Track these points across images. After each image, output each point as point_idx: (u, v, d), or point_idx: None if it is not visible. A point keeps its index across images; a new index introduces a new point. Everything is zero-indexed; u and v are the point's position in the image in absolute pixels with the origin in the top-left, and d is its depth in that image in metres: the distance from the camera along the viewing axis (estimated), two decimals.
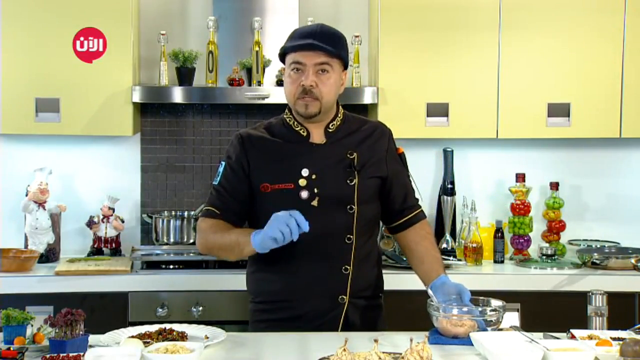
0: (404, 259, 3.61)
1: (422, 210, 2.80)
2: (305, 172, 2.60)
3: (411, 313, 3.01)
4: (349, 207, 2.61)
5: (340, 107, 2.73)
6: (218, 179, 2.69)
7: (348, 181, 2.62)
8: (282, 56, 2.66)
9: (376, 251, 2.76)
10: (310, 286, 2.60)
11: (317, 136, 2.67)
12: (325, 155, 2.64)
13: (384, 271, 2.81)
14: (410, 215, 2.75)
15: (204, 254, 2.79)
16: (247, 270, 2.77)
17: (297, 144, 2.66)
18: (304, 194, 2.58)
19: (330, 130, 2.68)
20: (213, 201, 2.68)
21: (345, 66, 2.66)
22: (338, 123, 2.69)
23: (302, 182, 2.59)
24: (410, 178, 2.82)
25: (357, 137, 2.69)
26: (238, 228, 2.63)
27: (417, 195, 2.83)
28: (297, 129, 2.67)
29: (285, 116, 2.71)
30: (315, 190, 2.59)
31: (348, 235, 2.62)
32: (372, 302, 2.71)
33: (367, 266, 2.68)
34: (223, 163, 2.70)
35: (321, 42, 2.56)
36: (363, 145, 2.68)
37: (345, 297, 2.62)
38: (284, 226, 2.36)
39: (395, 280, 3.44)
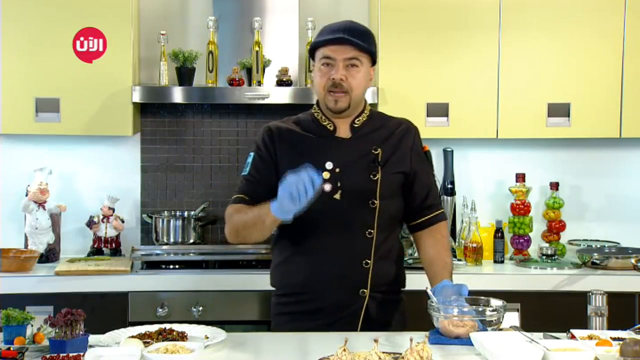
0: (409, 261, 3.62)
1: (442, 212, 2.80)
2: (329, 165, 2.64)
3: (412, 313, 3.01)
4: (371, 201, 2.64)
5: (367, 103, 2.78)
6: (247, 169, 2.72)
7: (371, 176, 2.66)
8: (312, 52, 2.71)
9: (398, 247, 2.77)
10: (330, 279, 2.64)
11: (343, 131, 2.72)
12: (350, 150, 2.68)
13: None
14: (429, 216, 2.77)
15: (233, 242, 2.77)
16: (272, 264, 2.80)
17: (323, 138, 2.70)
18: (327, 187, 2.62)
19: (355, 126, 2.72)
20: (242, 189, 2.71)
21: (373, 62, 2.70)
22: (364, 119, 2.74)
23: (326, 175, 2.63)
24: (435, 177, 2.83)
25: (383, 133, 2.73)
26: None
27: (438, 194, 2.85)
28: (324, 123, 2.72)
29: (313, 111, 2.77)
30: (338, 184, 2.63)
31: (369, 230, 2.65)
32: (392, 297, 2.73)
33: (388, 261, 2.71)
34: (251, 154, 2.74)
35: (351, 36, 2.61)
36: (388, 141, 2.72)
37: (365, 291, 2.65)
38: (297, 179, 2.35)
39: None
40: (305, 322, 2.64)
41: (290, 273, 2.71)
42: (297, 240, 2.65)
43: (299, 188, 2.35)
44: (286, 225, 2.57)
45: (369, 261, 2.64)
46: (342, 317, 2.64)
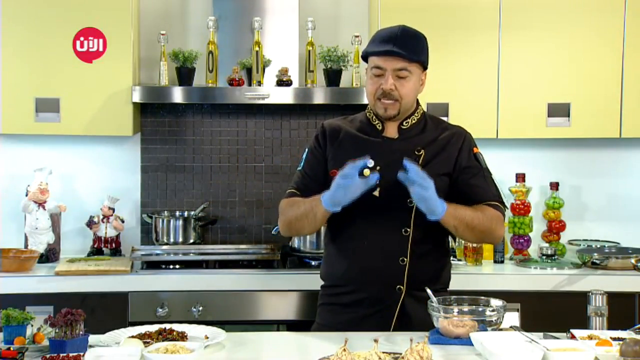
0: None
1: (498, 205, 2.76)
2: (370, 162, 2.69)
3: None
4: (409, 200, 2.67)
5: (420, 106, 2.83)
6: (302, 164, 2.85)
7: None
8: (364, 56, 2.77)
9: (441, 247, 2.79)
10: (367, 273, 2.71)
11: (391, 131, 2.79)
12: (394, 149, 2.73)
13: None
14: (480, 204, 2.73)
15: (286, 236, 2.91)
16: (323, 255, 2.91)
17: (370, 136, 2.79)
18: None
19: (404, 127, 2.78)
20: (296, 183, 2.83)
21: (425, 67, 2.77)
22: (413, 121, 2.79)
23: (366, 172, 2.66)
24: (490, 177, 2.81)
25: (430, 135, 2.78)
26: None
27: (496, 194, 2.80)
28: (374, 123, 2.80)
29: (366, 110, 2.84)
30: (378, 181, 2.65)
31: (405, 228, 2.70)
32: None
33: (428, 260, 2.73)
34: (307, 150, 2.86)
35: (401, 48, 2.67)
36: (434, 144, 2.76)
37: (402, 287, 2.69)
38: (347, 169, 2.51)
39: None
40: (344, 313, 2.73)
41: (332, 266, 2.80)
42: (338, 235, 2.75)
43: (347, 174, 2.50)
44: (329, 220, 2.70)
45: (405, 258, 2.69)
46: (377, 310, 2.70)
